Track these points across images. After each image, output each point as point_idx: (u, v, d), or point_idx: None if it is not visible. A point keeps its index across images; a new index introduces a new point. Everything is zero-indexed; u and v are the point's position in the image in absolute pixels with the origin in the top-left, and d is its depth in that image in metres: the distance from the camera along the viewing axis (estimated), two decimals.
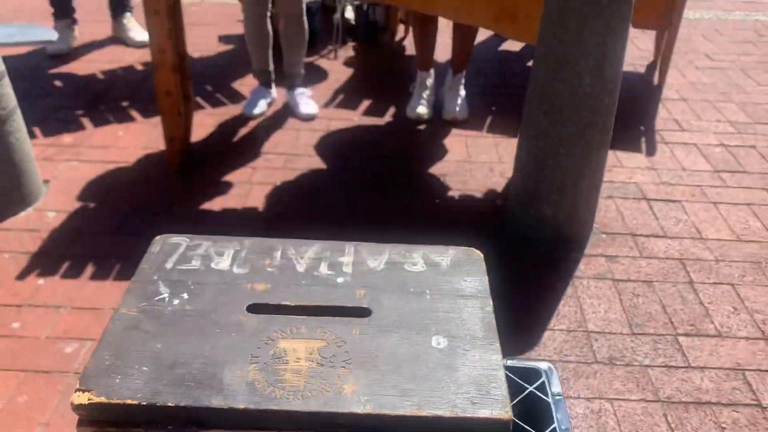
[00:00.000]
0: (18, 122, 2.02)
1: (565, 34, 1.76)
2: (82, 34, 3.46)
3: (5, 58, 1.92)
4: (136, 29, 3.39)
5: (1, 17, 3.74)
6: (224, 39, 3.57)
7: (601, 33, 1.73)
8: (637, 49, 3.57)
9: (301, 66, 2.80)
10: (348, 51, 3.49)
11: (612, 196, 2.29)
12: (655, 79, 3.18)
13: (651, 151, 2.58)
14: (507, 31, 2.13)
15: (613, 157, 2.53)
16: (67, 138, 2.54)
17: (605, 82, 1.80)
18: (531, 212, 2.01)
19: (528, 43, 2.11)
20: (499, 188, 2.33)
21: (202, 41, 3.50)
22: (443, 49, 3.17)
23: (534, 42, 1.95)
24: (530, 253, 2.00)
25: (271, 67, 2.80)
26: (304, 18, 2.68)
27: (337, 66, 3.32)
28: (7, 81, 1.97)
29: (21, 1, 4.05)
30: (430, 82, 2.86)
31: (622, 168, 2.46)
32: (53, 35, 2.28)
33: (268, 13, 2.66)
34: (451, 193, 2.30)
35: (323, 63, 3.34)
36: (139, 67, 3.19)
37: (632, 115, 2.86)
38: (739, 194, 2.32)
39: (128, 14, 3.42)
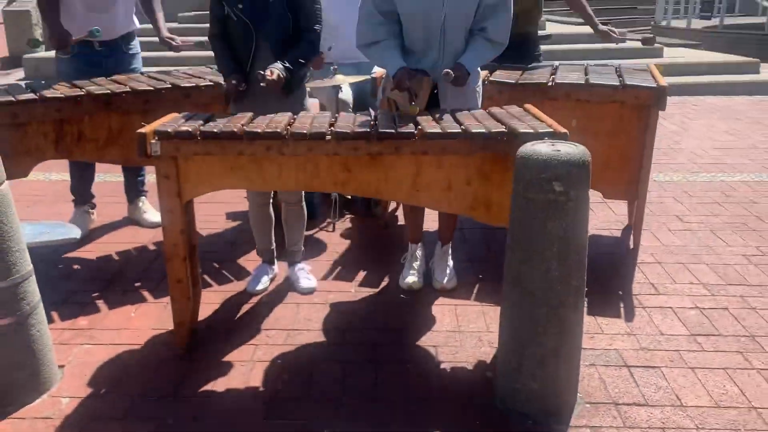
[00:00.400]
0: (40, 314, 2.21)
1: (531, 226, 1.99)
2: (99, 215, 3.77)
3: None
4: (150, 211, 3.70)
5: (25, 199, 4.08)
6: (231, 216, 3.87)
7: (563, 225, 1.96)
8: (613, 213, 3.86)
9: (300, 244, 3.05)
10: (345, 223, 3.78)
11: (594, 364, 2.42)
12: (631, 243, 3.42)
13: (629, 317, 2.74)
14: (482, 217, 2.38)
15: (594, 323, 2.69)
16: (82, 321, 2.72)
17: (571, 267, 2.00)
18: (517, 386, 2.14)
19: (503, 226, 2.35)
20: (488, 359, 2.47)
21: (212, 218, 3.80)
22: (433, 216, 3.43)
23: (507, 226, 2.19)
24: (518, 428, 2.10)
25: (273, 245, 3.05)
26: (303, 204, 2.96)
27: (335, 238, 3.58)
28: (33, 278, 2.19)
29: (45, 184, 4.43)
30: (420, 253, 3.10)
31: (602, 335, 2.61)
32: (77, 233, 2.54)
33: (270, 200, 2.95)
34: (442, 366, 2.43)
35: (322, 235, 3.61)
36: (152, 247, 3.45)
37: (610, 279, 3.06)
38: (715, 358, 2.45)
39: (143, 198, 3.75)
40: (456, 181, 2.32)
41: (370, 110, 2.55)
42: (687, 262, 3.22)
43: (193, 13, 9.94)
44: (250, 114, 2.43)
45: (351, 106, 3.79)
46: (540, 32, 3.87)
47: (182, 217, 2.33)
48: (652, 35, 3.43)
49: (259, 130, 2.20)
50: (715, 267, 3.16)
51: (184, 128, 2.20)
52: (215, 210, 3.92)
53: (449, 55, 2.70)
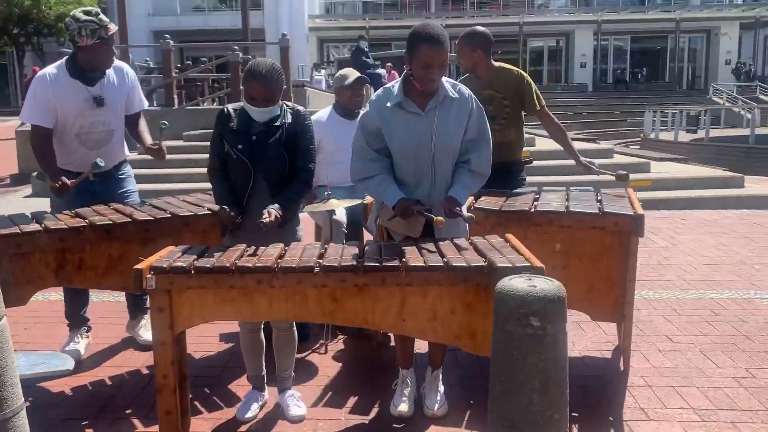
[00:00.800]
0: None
1: (511, 359, 2.04)
2: (95, 337, 3.81)
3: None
4: (149, 328, 3.73)
5: (24, 320, 4.13)
6: (225, 338, 3.91)
7: (543, 359, 2.02)
8: (604, 333, 3.89)
9: (291, 370, 3.07)
10: (338, 344, 3.81)
11: None
12: (621, 365, 3.43)
13: None
14: (467, 346, 2.44)
15: None
16: None
17: (552, 401, 2.04)
18: None
19: (487, 356, 2.40)
20: None
21: (206, 340, 3.83)
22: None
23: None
24: None
25: (264, 372, 3.08)
26: (294, 330, 3.02)
27: (327, 360, 3.60)
28: (23, 412, 2.21)
29: (43, 305, 4.49)
30: (410, 379, 3.11)
31: None
32: (71, 364, 2.59)
33: (261, 326, 3.01)
34: None
35: (314, 358, 3.63)
36: (145, 371, 3.46)
37: (601, 404, 3.05)
38: None
39: (146, 316, 3.79)
40: (441, 311, 2.40)
41: (367, 240, 2.68)
42: (677, 385, 3.23)
43: (199, 131, 10.39)
44: (243, 246, 2.55)
45: (345, 226, 3.93)
46: (523, 158, 4.08)
47: (174, 348, 2.39)
48: (625, 173, 3.71)
49: (250, 265, 2.31)
50: (705, 390, 3.17)
51: (178, 264, 2.31)
52: (209, 331, 3.96)
53: (440, 186, 2.87)
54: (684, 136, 16.09)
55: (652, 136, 16.75)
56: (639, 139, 18.82)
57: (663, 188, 8.05)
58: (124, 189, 3.67)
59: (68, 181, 3.23)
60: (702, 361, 3.49)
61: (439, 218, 2.67)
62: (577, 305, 3.46)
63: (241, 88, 2.92)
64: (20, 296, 3.00)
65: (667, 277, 4.99)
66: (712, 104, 25.95)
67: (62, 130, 3.42)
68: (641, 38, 35.18)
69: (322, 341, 3.78)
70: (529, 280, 2.11)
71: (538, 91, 3.93)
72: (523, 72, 3.97)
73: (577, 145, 11.06)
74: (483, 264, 2.31)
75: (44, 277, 3.03)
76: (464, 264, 2.31)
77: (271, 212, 2.72)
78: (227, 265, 2.31)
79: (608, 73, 34.58)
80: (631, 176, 8.35)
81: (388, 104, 2.83)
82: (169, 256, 2.45)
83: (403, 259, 2.37)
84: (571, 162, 4.01)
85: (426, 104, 2.83)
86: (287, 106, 2.98)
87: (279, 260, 2.37)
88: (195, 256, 2.44)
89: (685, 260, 5.45)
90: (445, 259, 2.36)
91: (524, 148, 4.14)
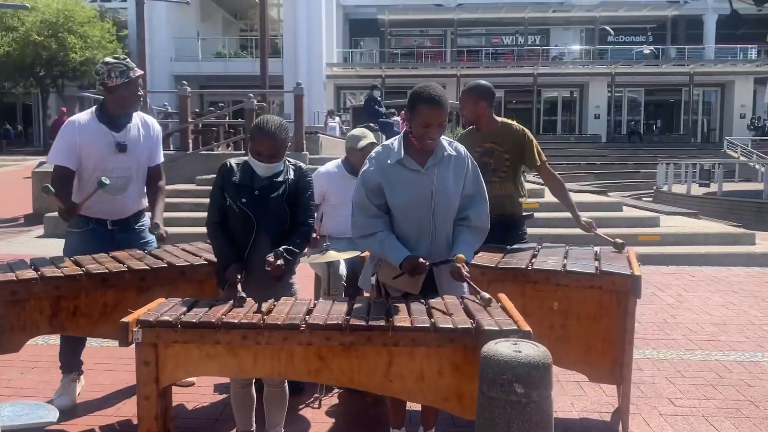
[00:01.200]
0: None
1: (496, 426, 2.00)
2: (90, 383, 3.79)
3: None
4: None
5: (21, 364, 4.13)
6: (220, 388, 3.87)
7: (527, 428, 1.97)
8: (604, 395, 3.81)
9: (280, 427, 3.03)
10: (332, 399, 3.75)
11: None
12: (620, 429, 3.34)
13: None
14: (455, 409, 2.39)
15: None
16: None
17: None
18: None
19: (473, 419, 2.35)
20: None
21: (200, 389, 3.79)
22: None
23: None
24: None
25: (254, 428, 3.03)
26: (286, 386, 2.99)
27: (320, 416, 3.54)
28: None
29: (42, 349, 4.49)
30: None
31: None
32: (55, 416, 2.58)
33: (253, 381, 2.98)
34: None
35: (307, 412, 3.57)
36: (135, 422, 3.41)
37: None
38: None
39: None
40: (428, 373, 2.36)
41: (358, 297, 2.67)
42: None
43: (211, 175, 10.49)
44: (230, 302, 2.54)
45: (344, 279, 3.93)
46: (525, 211, 4.08)
47: (158, 403, 2.37)
48: (622, 242, 3.66)
49: (236, 321, 2.30)
50: None
51: (164, 318, 2.31)
52: (204, 381, 3.92)
53: (440, 242, 2.87)
54: (697, 190, 16.01)
55: (665, 188, 16.69)
56: (652, 191, 18.77)
57: (672, 243, 7.98)
58: (144, 240, 3.73)
59: (76, 206, 3.34)
60: (705, 427, 3.39)
61: (461, 255, 2.69)
62: (575, 366, 3.41)
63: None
64: (14, 343, 3.00)
65: (672, 337, 4.90)
66: (726, 158, 25.89)
67: (84, 172, 3.52)
68: (655, 90, 35.41)
69: (316, 395, 3.73)
70: (515, 344, 2.08)
71: (539, 147, 3.96)
72: (524, 128, 4.02)
73: (587, 198, 11.02)
74: (469, 326, 2.28)
75: (38, 323, 3.04)
76: (451, 326, 2.28)
77: (278, 256, 2.72)
78: (213, 320, 2.30)
79: (622, 124, 34.72)
80: (640, 231, 8.33)
81: (389, 161, 2.85)
82: (157, 309, 2.45)
83: (390, 319, 2.35)
84: (582, 213, 3.98)
85: (425, 161, 2.85)
86: (289, 162, 3.02)
87: (265, 316, 2.36)
88: (185, 309, 2.44)
89: (691, 319, 5.36)
90: (432, 320, 2.34)
91: (532, 199, 4.15)
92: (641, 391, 3.81)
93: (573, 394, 3.83)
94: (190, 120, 12.03)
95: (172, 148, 12.59)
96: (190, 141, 11.93)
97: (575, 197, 10.73)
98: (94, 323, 3.16)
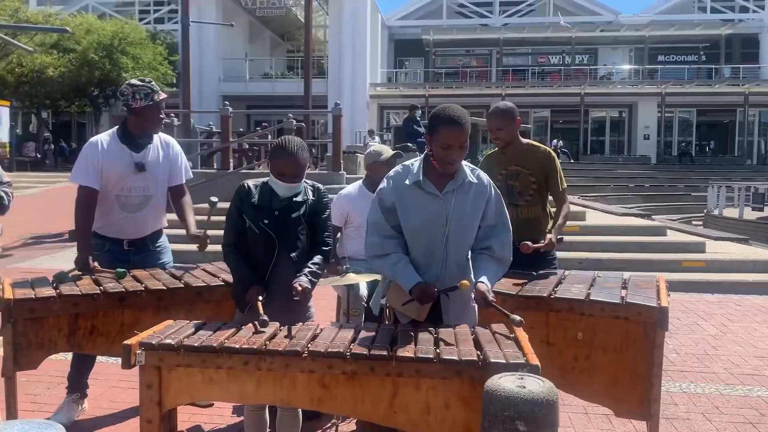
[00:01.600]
0: None
1: None
2: (109, 401, 3.82)
3: None
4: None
5: (47, 380, 4.19)
6: (237, 410, 3.84)
7: None
8: (633, 428, 3.62)
9: None
10: (350, 425, 3.68)
11: None
12: None
13: None
14: None
15: None
16: None
17: None
18: None
19: None
20: None
21: (219, 411, 3.77)
22: None
23: None
24: None
25: None
26: (299, 410, 2.93)
27: None
28: None
29: (43, 367, 4.55)
30: None
31: None
32: None
33: (267, 404, 2.93)
34: None
35: None
36: None
37: None
38: None
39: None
40: (434, 405, 2.27)
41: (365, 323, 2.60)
42: None
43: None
44: (234, 328, 2.50)
45: (365, 300, 3.88)
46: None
47: (161, 426, 2.34)
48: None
49: (237, 346, 2.26)
50: None
51: (167, 341, 2.29)
52: (223, 402, 3.90)
53: (451, 270, 2.77)
54: (750, 214, 15.39)
55: (716, 212, 16.11)
56: (702, 214, 18.14)
57: (718, 270, 7.65)
58: (162, 261, 3.76)
59: (95, 265, 3.39)
60: None
61: (464, 281, 2.60)
62: (600, 399, 3.26)
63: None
64: (31, 360, 3.05)
65: (713, 369, 4.65)
66: None
67: (104, 191, 3.57)
68: (708, 111, 34.40)
69: (334, 421, 3.66)
70: (521, 379, 1.98)
71: (562, 173, 3.87)
72: (551, 150, 3.92)
73: (630, 221, 10.68)
74: (474, 359, 2.19)
75: (56, 341, 3.07)
76: (455, 357, 2.19)
77: (303, 284, 2.72)
78: (214, 344, 2.27)
79: (673, 145, 33.81)
80: (684, 256, 7.99)
81: (407, 182, 2.79)
82: (162, 331, 2.44)
83: (394, 348, 2.27)
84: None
85: (444, 186, 2.77)
86: (307, 182, 3.01)
87: (267, 342, 2.32)
88: (190, 332, 2.42)
89: (734, 351, 5.09)
90: (437, 350, 2.25)
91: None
92: (674, 428, 3.61)
93: (601, 428, 3.66)
94: (231, 140, 12.23)
95: (215, 167, 12.82)
96: (231, 160, 12.12)
97: (618, 220, 10.46)
98: (112, 342, 3.17)
